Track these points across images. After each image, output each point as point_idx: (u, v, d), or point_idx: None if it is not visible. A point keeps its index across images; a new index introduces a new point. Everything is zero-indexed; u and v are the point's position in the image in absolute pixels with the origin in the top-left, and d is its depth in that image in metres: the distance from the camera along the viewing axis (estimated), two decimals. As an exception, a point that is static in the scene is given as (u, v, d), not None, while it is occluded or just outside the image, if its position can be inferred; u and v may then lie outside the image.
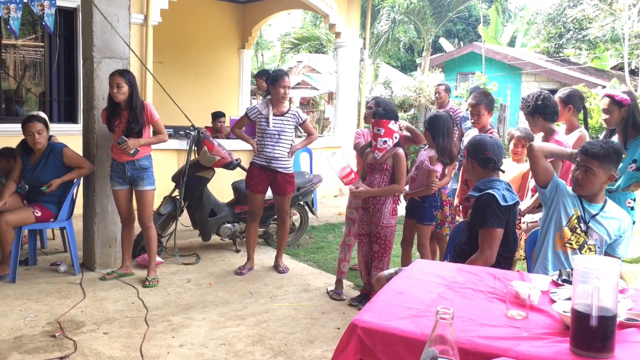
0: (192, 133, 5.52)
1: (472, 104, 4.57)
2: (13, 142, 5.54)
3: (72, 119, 7.70)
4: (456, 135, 5.80)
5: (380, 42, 17.36)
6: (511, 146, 4.72)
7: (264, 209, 5.43)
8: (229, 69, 11.79)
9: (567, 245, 3.07)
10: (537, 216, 4.25)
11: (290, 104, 5.39)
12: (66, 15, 7.50)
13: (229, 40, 11.77)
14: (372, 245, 4.48)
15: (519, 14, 23.92)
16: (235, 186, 6.01)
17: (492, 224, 3.10)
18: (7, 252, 4.69)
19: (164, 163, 6.86)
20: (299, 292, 4.81)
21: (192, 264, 5.47)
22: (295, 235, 6.37)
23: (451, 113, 5.89)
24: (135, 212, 4.93)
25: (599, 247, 3.04)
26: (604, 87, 12.32)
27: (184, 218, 5.86)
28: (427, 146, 4.75)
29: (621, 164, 3.65)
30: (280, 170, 5.12)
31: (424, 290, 2.44)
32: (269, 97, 5.18)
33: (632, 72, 15.42)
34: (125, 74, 4.64)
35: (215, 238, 5.98)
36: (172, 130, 7.57)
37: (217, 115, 8.28)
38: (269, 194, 5.31)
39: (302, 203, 6.24)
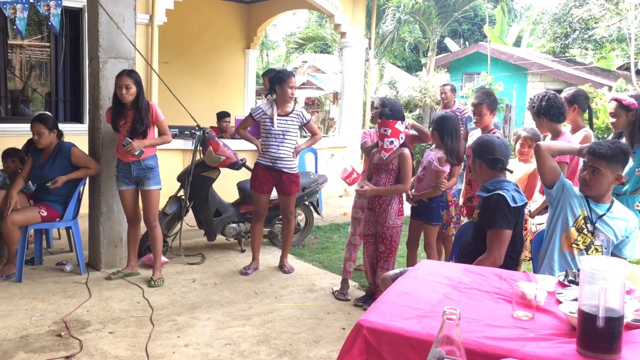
0: (198, 133, 5.52)
1: (474, 103, 4.61)
2: (19, 142, 5.57)
3: (78, 119, 7.72)
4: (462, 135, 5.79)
5: (386, 42, 17.36)
6: (517, 146, 4.70)
7: (269, 209, 5.43)
8: (234, 69, 11.80)
9: (573, 245, 3.06)
10: (544, 218, 4.25)
11: (295, 104, 5.39)
12: (72, 15, 7.52)
13: (234, 40, 11.78)
14: (377, 245, 4.48)
15: (525, 13, 23.85)
16: (241, 186, 6.01)
17: (501, 225, 3.09)
18: (13, 251, 4.71)
19: (170, 163, 6.87)
20: (304, 292, 4.81)
21: (197, 263, 5.47)
22: (301, 236, 6.38)
23: (458, 113, 5.88)
24: (141, 212, 4.94)
25: (605, 248, 3.02)
26: (610, 87, 12.28)
27: (189, 218, 5.87)
28: (433, 146, 4.74)
29: (628, 168, 3.64)
30: (285, 170, 5.12)
31: (429, 290, 2.43)
32: (273, 97, 5.17)
33: (639, 72, 15.33)
34: (132, 74, 4.64)
35: (220, 238, 5.99)
36: (177, 130, 7.60)
37: (222, 115, 8.28)
38: (274, 194, 5.31)
39: (307, 203, 6.24)
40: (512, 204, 3.11)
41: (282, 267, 5.38)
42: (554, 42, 19.57)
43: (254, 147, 5.29)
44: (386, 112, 4.33)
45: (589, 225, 3.02)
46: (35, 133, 4.81)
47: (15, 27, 5.27)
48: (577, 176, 3.93)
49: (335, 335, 3.89)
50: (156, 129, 4.87)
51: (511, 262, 3.20)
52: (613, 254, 3.05)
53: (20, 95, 11.33)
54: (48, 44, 8.56)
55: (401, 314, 2.15)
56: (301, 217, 6.37)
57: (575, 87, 4.85)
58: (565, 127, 4.45)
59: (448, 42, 22.92)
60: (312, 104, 20.68)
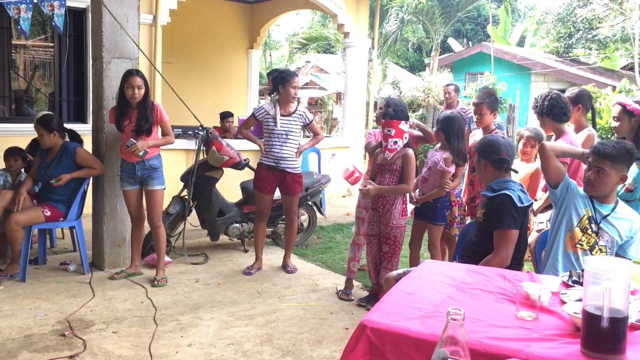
0: (201, 133, 5.53)
1: (474, 103, 4.63)
2: (23, 142, 5.59)
3: (82, 119, 7.73)
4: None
5: (389, 42, 17.34)
6: (520, 146, 4.71)
7: (272, 209, 5.43)
8: (237, 69, 11.81)
9: (577, 246, 3.05)
10: (545, 216, 4.25)
11: (298, 104, 5.39)
12: (76, 16, 7.53)
13: (238, 40, 11.79)
14: (381, 245, 4.47)
15: (529, 13, 23.83)
16: (244, 186, 6.02)
17: (508, 225, 3.08)
18: (17, 251, 4.72)
19: (173, 163, 6.88)
20: (307, 292, 4.80)
21: (201, 263, 5.48)
22: (304, 236, 6.38)
23: (462, 113, 5.87)
24: (145, 212, 4.95)
25: (610, 248, 3.01)
26: (614, 87, 12.23)
27: (193, 218, 5.87)
28: (437, 146, 4.73)
29: (635, 174, 3.62)
30: (288, 170, 5.12)
31: (433, 290, 2.43)
32: (276, 96, 5.17)
33: (643, 72, 15.30)
34: (140, 74, 4.67)
35: (223, 238, 5.99)
36: (180, 130, 7.61)
37: (226, 115, 8.29)
38: (277, 194, 5.31)
39: (310, 203, 6.24)
40: (519, 204, 3.10)
41: (285, 267, 5.38)
42: (558, 42, 19.52)
43: (257, 147, 5.29)
44: (390, 113, 4.32)
45: (593, 226, 3.02)
46: (38, 134, 4.86)
47: (19, 27, 5.27)
48: (579, 176, 3.94)
49: (338, 335, 3.88)
50: (159, 129, 4.88)
51: (515, 263, 3.20)
52: (617, 255, 3.04)
53: (24, 95, 11.35)
54: (52, 44, 8.58)
55: (405, 314, 2.15)
56: (304, 217, 6.37)
57: (579, 87, 4.83)
58: (569, 127, 4.45)
59: (451, 42, 22.91)
60: (315, 104, 20.67)
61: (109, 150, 5.07)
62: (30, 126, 5.46)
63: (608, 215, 3.00)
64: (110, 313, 4.13)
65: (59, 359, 3.38)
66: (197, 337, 3.76)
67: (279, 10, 11.35)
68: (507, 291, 2.44)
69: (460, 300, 2.33)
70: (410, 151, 4.37)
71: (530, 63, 17.48)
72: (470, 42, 25.65)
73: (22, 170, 5.30)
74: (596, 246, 3.02)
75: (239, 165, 5.56)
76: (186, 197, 5.55)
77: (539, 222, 4.21)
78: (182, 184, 5.62)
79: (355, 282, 4.87)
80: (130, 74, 4.62)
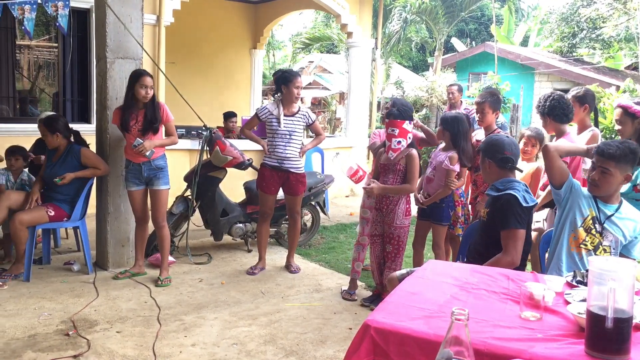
0: (204, 133, 5.53)
1: (477, 101, 4.66)
2: (27, 142, 5.60)
3: (86, 119, 7.75)
4: None
5: (392, 42, 17.34)
6: (521, 145, 4.71)
7: (275, 209, 5.43)
8: (240, 69, 11.82)
9: (581, 246, 3.04)
10: (542, 215, 4.25)
11: (302, 104, 5.39)
12: (80, 16, 7.55)
13: (241, 40, 11.80)
14: (385, 245, 4.47)
15: (532, 13, 23.76)
16: (247, 186, 6.02)
17: (515, 225, 3.07)
18: (21, 251, 4.73)
19: (177, 163, 6.88)
20: (311, 292, 4.81)
21: (204, 263, 5.48)
22: (307, 236, 6.38)
23: (466, 113, 5.87)
24: (149, 212, 4.96)
25: (614, 249, 3.00)
26: (617, 87, 12.20)
27: (196, 218, 5.87)
28: (440, 146, 4.73)
29: None
30: (292, 170, 5.13)
31: (437, 291, 2.43)
32: (279, 97, 5.17)
33: (647, 72, 15.29)
34: (150, 74, 4.70)
35: (227, 238, 6.00)
36: (184, 130, 7.62)
37: (229, 115, 8.30)
38: (280, 194, 5.31)
39: (313, 203, 6.24)
40: (524, 204, 3.10)
41: (288, 267, 5.38)
42: (562, 42, 19.48)
43: (260, 147, 5.30)
44: (394, 112, 4.32)
45: (597, 226, 3.01)
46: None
47: (23, 27, 5.28)
48: (578, 176, 3.93)
49: (342, 335, 3.88)
50: (163, 129, 4.89)
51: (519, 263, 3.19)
52: (621, 255, 3.04)
53: (28, 95, 11.39)
54: (56, 45, 8.61)
55: (408, 314, 2.14)
56: (307, 217, 6.37)
57: (583, 86, 4.82)
58: (572, 127, 4.45)
59: (455, 41, 22.88)
60: (319, 104, 20.67)
61: (112, 150, 5.08)
62: (34, 126, 5.48)
63: (612, 215, 2.99)
64: (114, 313, 4.14)
65: (63, 359, 3.39)
66: (201, 337, 3.77)
67: (283, 10, 11.36)
68: (511, 291, 2.43)
69: (464, 300, 2.33)
70: (414, 151, 4.37)
71: (534, 63, 17.44)
72: (473, 42, 25.61)
73: (24, 169, 5.31)
74: (600, 246, 3.01)
75: (242, 165, 5.56)
76: (190, 197, 5.55)
77: (536, 221, 4.21)
78: (186, 184, 5.63)
79: (358, 282, 4.87)
80: (141, 74, 4.64)
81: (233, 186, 6.47)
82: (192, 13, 9.76)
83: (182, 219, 5.65)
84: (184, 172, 5.86)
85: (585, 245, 3.03)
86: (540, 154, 4.16)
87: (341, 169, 4.67)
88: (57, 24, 5.27)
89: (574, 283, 2.52)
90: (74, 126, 5.19)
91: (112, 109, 4.93)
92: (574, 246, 3.06)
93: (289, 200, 5.28)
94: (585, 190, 3.10)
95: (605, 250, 3.01)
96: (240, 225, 5.84)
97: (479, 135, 4.78)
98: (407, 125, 4.32)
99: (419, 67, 25.60)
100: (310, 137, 6.32)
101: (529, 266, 4.25)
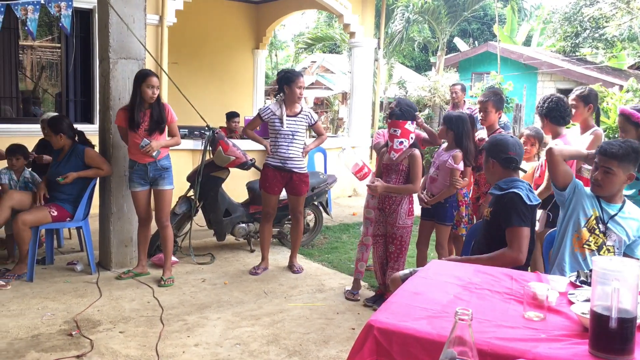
0: (207, 133, 5.54)
1: (480, 100, 4.70)
2: (31, 142, 5.61)
3: (89, 120, 7.76)
4: None
5: (395, 42, 17.32)
6: None
7: (278, 209, 5.43)
8: (243, 69, 11.83)
9: (585, 246, 3.03)
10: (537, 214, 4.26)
11: (305, 103, 5.39)
12: (82, 16, 7.56)
13: (243, 40, 11.80)
14: (387, 246, 4.46)
15: (535, 12, 23.72)
16: (250, 186, 6.02)
17: (519, 223, 3.06)
18: (24, 251, 4.74)
19: (179, 163, 6.87)
20: (314, 292, 4.80)
21: (207, 263, 5.49)
22: (310, 236, 6.37)
23: (470, 113, 5.87)
24: (152, 212, 4.97)
25: (617, 248, 3.00)
26: (621, 86, 12.18)
27: (199, 218, 5.88)
28: (443, 146, 4.72)
29: None
30: (295, 170, 5.13)
31: (440, 291, 2.42)
32: (281, 97, 5.17)
33: (650, 71, 15.24)
34: (156, 74, 4.70)
35: (229, 238, 6.00)
36: (187, 130, 7.62)
37: (232, 116, 8.30)
38: (283, 194, 5.31)
39: (316, 203, 6.24)
40: (528, 202, 3.09)
41: (291, 267, 5.38)
42: (565, 41, 19.43)
43: (263, 147, 5.30)
44: (396, 112, 4.31)
45: (600, 226, 3.00)
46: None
47: (26, 28, 5.30)
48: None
49: (344, 335, 3.88)
50: (166, 130, 4.89)
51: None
52: (625, 254, 3.03)
53: (31, 96, 11.40)
54: (59, 45, 8.61)
55: (412, 314, 2.14)
56: (310, 217, 6.37)
57: (587, 86, 4.82)
58: (575, 126, 4.45)
59: (457, 41, 22.84)
60: (321, 104, 20.68)
61: (115, 151, 5.08)
62: (37, 127, 5.49)
63: (615, 214, 2.99)
64: (117, 313, 4.15)
65: (67, 359, 3.40)
66: (204, 337, 3.77)
67: (285, 10, 11.36)
68: (514, 291, 2.43)
69: (467, 300, 2.32)
70: (417, 152, 4.36)
71: (537, 62, 17.41)
72: (476, 42, 25.57)
73: (25, 167, 5.31)
74: (604, 246, 3.00)
75: (245, 166, 5.57)
76: (192, 197, 5.56)
77: None
78: (189, 184, 5.63)
79: (361, 282, 4.87)
80: (148, 74, 4.65)
81: (236, 186, 6.46)
82: (195, 13, 9.77)
83: (185, 219, 5.65)
84: (186, 172, 5.87)
85: (589, 245, 3.03)
86: (540, 154, 4.18)
87: (345, 164, 4.64)
88: (60, 24, 5.28)
89: (578, 283, 2.52)
90: (77, 126, 5.19)
91: (115, 109, 4.94)
92: (578, 246, 3.05)
93: (292, 200, 5.28)
94: (588, 190, 3.10)
95: (609, 250, 3.00)
96: (243, 225, 5.84)
97: (481, 134, 4.79)
98: (409, 125, 4.31)
99: (422, 67, 25.58)
100: (313, 137, 6.32)
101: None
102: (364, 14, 9.73)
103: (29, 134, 6.23)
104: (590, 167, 3.35)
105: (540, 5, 25.29)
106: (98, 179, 5.11)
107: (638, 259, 3.03)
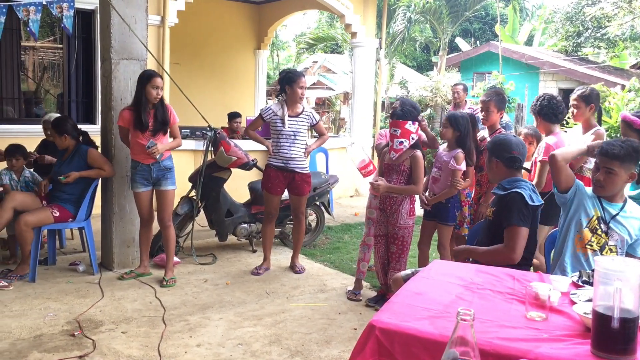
0: (209, 134, 5.54)
1: (482, 100, 4.71)
2: (32, 142, 5.62)
3: (91, 120, 7.77)
4: None
5: (396, 42, 17.29)
6: None
7: (280, 209, 5.43)
8: (244, 69, 11.83)
9: (587, 246, 3.03)
10: None
11: (306, 104, 5.39)
12: (84, 17, 7.57)
13: (245, 40, 11.80)
14: (389, 246, 4.46)
15: (537, 12, 23.70)
16: (252, 186, 6.02)
17: (517, 223, 3.05)
18: (26, 252, 4.75)
19: (181, 164, 6.88)
20: (316, 292, 4.80)
21: (209, 264, 5.49)
22: (312, 236, 6.37)
23: (471, 113, 5.87)
24: (155, 212, 4.97)
25: (620, 248, 2.99)
26: (623, 86, 12.16)
27: (201, 218, 5.88)
28: (443, 145, 4.71)
29: None
30: (298, 170, 5.13)
31: (442, 291, 2.42)
32: (283, 97, 5.16)
33: (652, 71, 15.21)
34: (160, 75, 4.72)
35: (231, 238, 6.00)
36: (188, 130, 7.63)
37: (233, 116, 8.31)
38: (285, 194, 5.31)
39: (318, 203, 6.24)
40: (530, 203, 3.09)
41: (293, 268, 5.38)
42: (566, 41, 19.40)
43: (265, 148, 5.30)
44: (397, 112, 4.30)
45: (602, 226, 3.00)
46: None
47: (28, 29, 5.30)
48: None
49: (346, 335, 3.88)
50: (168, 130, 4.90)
51: (524, 263, 3.17)
52: (627, 254, 3.03)
53: (33, 96, 11.41)
54: (61, 46, 8.62)
55: (413, 314, 2.14)
56: (312, 218, 6.37)
57: (589, 85, 4.82)
58: (577, 126, 4.45)
59: (459, 41, 22.83)
60: (323, 104, 20.67)
61: (117, 151, 5.09)
62: (39, 127, 5.50)
63: (617, 214, 2.98)
64: (120, 313, 4.15)
65: (69, 359, 3.40)
66: (206, 338, 3.77)
67: (286, 10, 11.36)
68: (516, 291, 2.43)
69: (469, 300, 2.32)
70: (419, 153, 4.35)
71: (539, 62, 17.39)
72: (478, 42, 25.55)
73: (26, 167, 5.31)
74: (606, 246, 3.00)
75: (247, 166, 5.57)
76: (194, 197, 5.56)
77: None
78: (191, 184, 5.64)
79: (363, 283, 4.87)
80: (152, 75, 4.66)
81: (237, 187, 6.47)
82: (196, 14, 9.78)
83: (187, 219, 5.66)
84: (188, 172, 5.87)
85: (591, 245, 3.02)
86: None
87: (352, 159, 4.64)
88: (62, 25, 5.28)
89: (580, 283, 2.52)
90: (79, 127, 5.20)
91: (117, 109, 4.94)
92: (580, 247, 3.05)
93: (294, 201, 5.28)
94: (589, 190, 3.09)
95: (611, 250, 3.00)
96: (245, 225, 5.85)
97: (482, 134, 4.78)
98: (410, 125, 4.28)
99: (423, 66, 25.55)
100: (315, 137, 6.32)
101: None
102: (365, 14, 9.73)
103: (31, 135, 6.24)
104: (591, 168, 3.36)
105: (542, 4, 25.27)
106: (100, 179, 5.12)
107: (640, 259, 3.03)
